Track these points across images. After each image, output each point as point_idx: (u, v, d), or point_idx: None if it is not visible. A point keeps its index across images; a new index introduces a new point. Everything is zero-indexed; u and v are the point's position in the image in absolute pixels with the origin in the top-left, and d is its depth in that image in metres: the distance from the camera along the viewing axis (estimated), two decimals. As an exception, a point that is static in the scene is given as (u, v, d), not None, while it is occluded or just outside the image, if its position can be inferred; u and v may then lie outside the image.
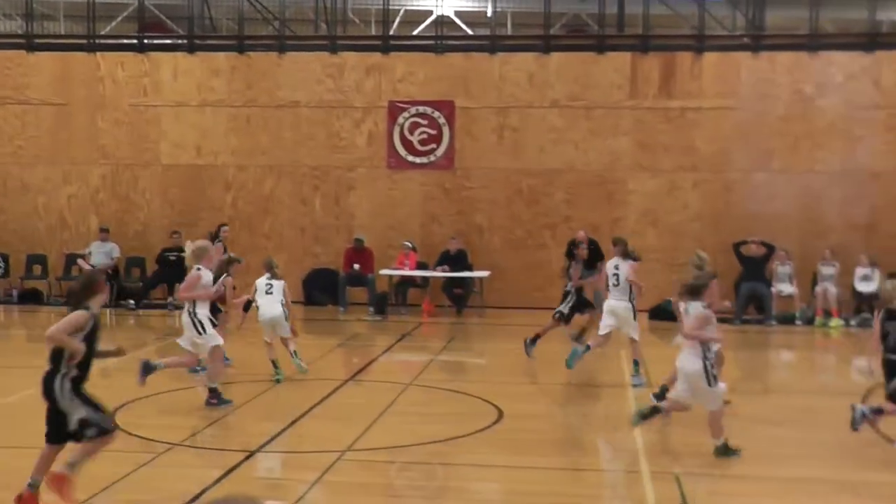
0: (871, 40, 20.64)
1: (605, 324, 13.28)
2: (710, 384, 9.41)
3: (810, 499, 8.51)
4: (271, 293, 13.10)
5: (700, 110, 20.72)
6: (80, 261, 21.06)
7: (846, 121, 20.46)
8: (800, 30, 21.36)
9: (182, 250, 20.97)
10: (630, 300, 13.25)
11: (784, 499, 8.43)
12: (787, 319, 19.35)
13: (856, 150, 20.46)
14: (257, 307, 13.24)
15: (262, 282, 13.28)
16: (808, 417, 11.84)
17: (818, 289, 19.56)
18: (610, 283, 13.30)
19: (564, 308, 14.64)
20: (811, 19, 20.79)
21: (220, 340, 11.68)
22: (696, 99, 20.72)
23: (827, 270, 19.64)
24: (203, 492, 8.02)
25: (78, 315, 7.49)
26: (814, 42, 20.69)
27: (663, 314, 19.66)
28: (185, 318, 11.63)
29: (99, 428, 7.53)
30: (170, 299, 20.87)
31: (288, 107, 21.70)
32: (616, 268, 13.23)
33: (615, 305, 13.22)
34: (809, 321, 19.41)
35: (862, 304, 19.74)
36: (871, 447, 10.04)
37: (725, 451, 9.48)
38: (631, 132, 20.90)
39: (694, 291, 9.84)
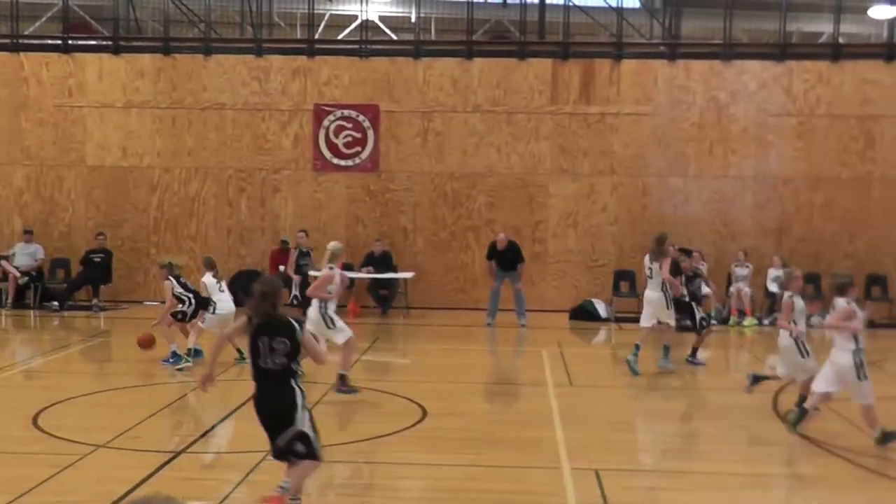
0: (783, 50, 21.35)
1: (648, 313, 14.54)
2: (859, 378, 10.02)
3: (724, 492, 8.87)
4: (224, 290, 13.81)
5: (618, 116, 21.24)
6: (3, 262, 20.87)
7: (759, 128, 21.13)
8: (714, 39, 21.98)
9: (106, 252, 20.98)
10: (664, 291, 14.43)
11: (699, 492, 8.78)
12: (703, 319, 19.84)
13: (768, 157, 21.15)
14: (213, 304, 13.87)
15: (211, 280, 13.75)
16: (722, 413, 12.29)
17: (732, 289, 20.20)
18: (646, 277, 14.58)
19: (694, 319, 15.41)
20: (725, 29, 21.42)
21: (351, 333, 12.33)
22: (615, 105, 21.23)
23: (741, 272, 20.29)
24: (127, 493, 8.07)
25: None
26: (727, 51, 21.34)
27: (584, 314, 20.17)
28: (314, 313, 12.18)
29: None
30: (94, 301, 20.78)
31: (213, 109, 21.74)
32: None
33: (651, 296, 14.54)
34: (724, 321, 20.03)
35: (774, 304, 20.38)
36: (780, 442, 10.49)
37: (885, 439, 10.06)
38: (551, 137, 21.33)
39: (840, 289, 10.46)
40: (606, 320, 19.99)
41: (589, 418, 11.29)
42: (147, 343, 14.25)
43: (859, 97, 21.07)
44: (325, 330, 12.20)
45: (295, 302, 19.16)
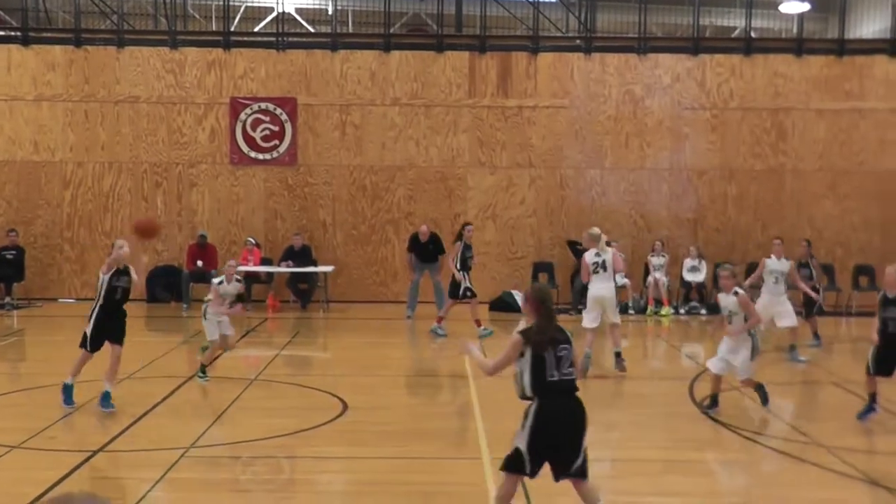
0: (696, 44, 21.71)
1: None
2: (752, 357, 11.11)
3: (642, 478, 9.00)
4: None
5: (536, 109, 21.39)
6: None
7: (673, 120, 21.47)
8: (629, 33, 22.25)
9: (19, 249, 20.52)
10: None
11: (618, 480, 8.91)
12: (621, 309, 20.04)
13: (683, 149, 21.49)
14: None
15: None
16: (639, 401, 12.49)
17: (650, 279, 20.50)
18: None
19: None
20: (640, 23, 21.70)
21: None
22: (532, 98, 21.38)
23: (657, 262, 20.59)
24: (43, 494, 7.94)
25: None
26: (642, 45, 21.62)
27: (503, 306, 20.30)
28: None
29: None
30: (7, 299, 20.34)
31: (127, 102, 21.40)
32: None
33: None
34: (642, 310, 20.33)
35: (690, 293, 20.79)
36: (697, 429, 10.69)
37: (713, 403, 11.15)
38: (470, 129, 21.41)
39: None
40: (526, 312, 20.13)
41: (510, 408, 11.34)
42: (147, 230, 12.34)
43: (771, 90, 21.52)
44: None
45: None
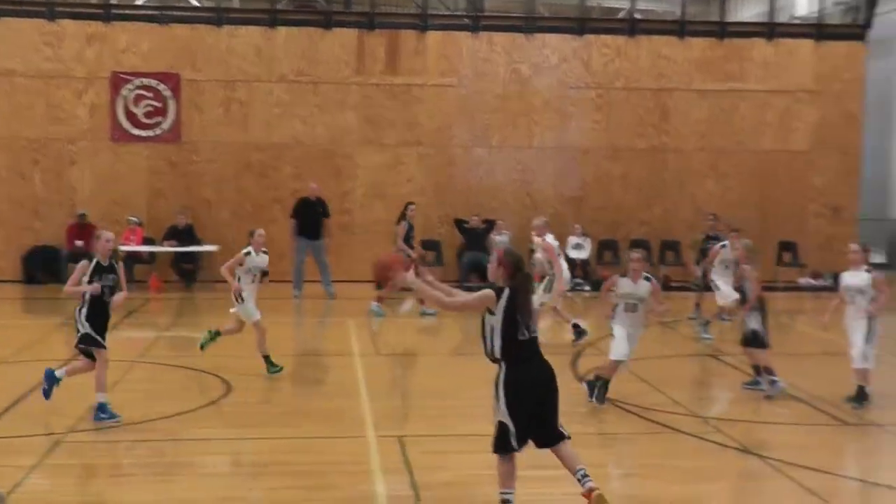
0: (582, 24, 21.95)
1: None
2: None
3: (526, 452, 9.11)
4: None
5: (424, 87, 21.39)
6: None
7: (559, 100, 21.70)
8: (516, 13, 22.39)
9: None
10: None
11: (538, 456, 9.02)
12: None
13: (568, 128, 21.75)
14: None
15: None
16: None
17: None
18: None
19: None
20: (527, 3, 21.84)
21: None
22: (420, 76, 21.37)
23: (501, 237, 20.79)
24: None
25: None
26: (529, 24, 21.78)
27: (391, 285, 20.25)
28: None
29: None
30: None
31: (2, 75, 20.70)
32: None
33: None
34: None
35: (575, 270, 21.05)
36: (579, 403, 10.88)
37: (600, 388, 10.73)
38: (358, 107, 21.30)
39: None
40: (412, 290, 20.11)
41: (395, 387, 11.42)
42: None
43: (655, 71, 21.90)
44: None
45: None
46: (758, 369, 11.64)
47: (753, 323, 11.38)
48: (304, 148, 21.26)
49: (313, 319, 17.57)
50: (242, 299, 12.01)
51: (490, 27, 21.81)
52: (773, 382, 11.22)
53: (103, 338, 9.97)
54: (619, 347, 10.71)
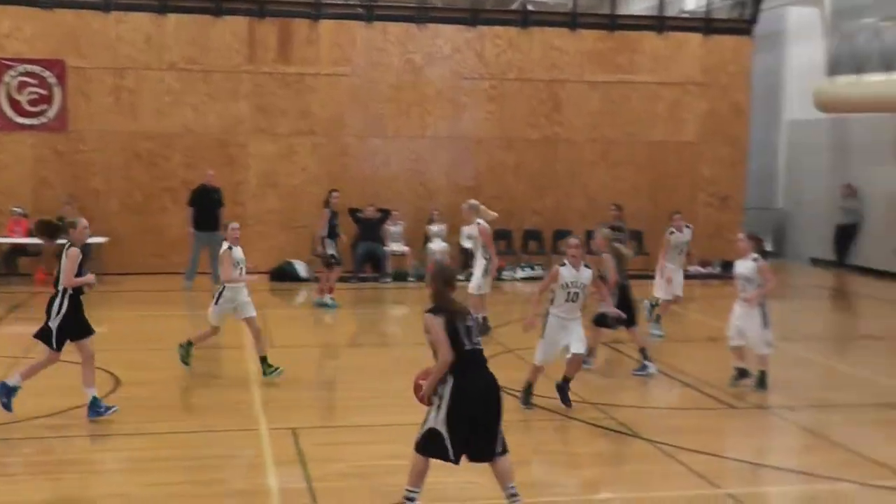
0: (475, 15, 22.01)
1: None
2: None
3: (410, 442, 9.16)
4: None
5: (317, 76, 21.21)
6: None
7: (453, 90, 21.73)
8: (409, 2, 22.35)
9: None
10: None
11: (389, 445, 9.02)
12: (401, 276, 20.40)
13: (462, 118, 21.81)
14: None
15: None
16: (414, 368, 12.65)
17: (428, 246, 20.73)
18: None
19: None
20: (420, -8, 21.83)
21: None
22: (313, 65, 21.18)
23: (436, 230, 20.87)
24: None
25: None
26: (422, 15, 21.76)
27: (284, 275, 20.15)
28: None
29: None
30: None
31: None
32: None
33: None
34: (421, 277, 20.53)
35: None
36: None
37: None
38: (250, 96, 21.01)
39: None
40: (307, 280, 19.99)
41: (288, 378, 11.32)
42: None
43: (547, 62, 22.09)
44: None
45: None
46: (645, 354, 11.94)
47: (605, 306, 11.57)
48: (196, 137, 20.90)
49: (205, 312, 17.28)
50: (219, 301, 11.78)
51: (383, 17, 21.71)
52: (644, 368, 11.70)
53: (83, 330, 10.08)
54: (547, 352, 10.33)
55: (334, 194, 17.34)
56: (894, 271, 21.88)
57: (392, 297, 19.20)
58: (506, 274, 20.27)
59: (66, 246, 9.86)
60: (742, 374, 11.45)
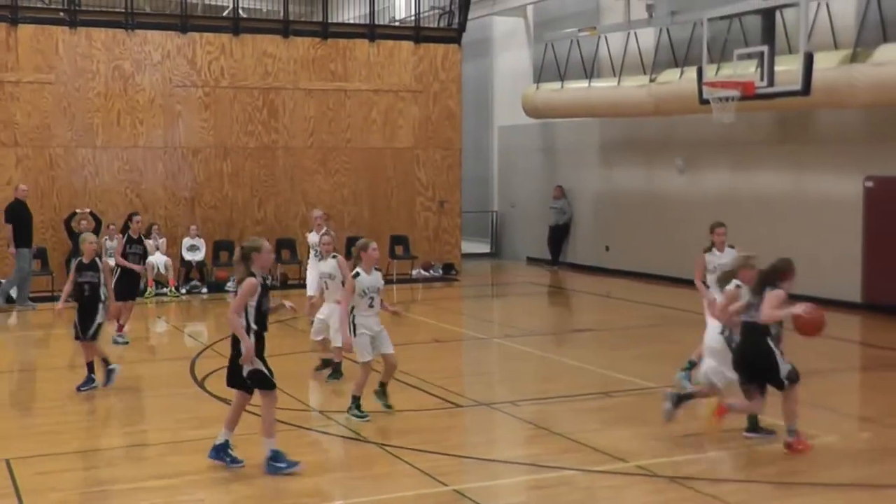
0: (185, 21, 21.53)
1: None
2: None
3: (144, 462, 8.85)
4: None
5: (19, 84, 20.09)
6: None
7: (166, 98, 21.16)
8: (116, 7, 21.58)
9: None
10: None
11: (117, 468, 8.69)
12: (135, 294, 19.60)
13: (176, 127, 21.28)
14: None
15: None
16: (143, 386, 12.27)
17: (149, 260, 20.01)
18: None
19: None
20: (127, -2, 21.11)
21: None
22: (14, 72, 20.05)
23: (155, 243, 20.20)
24: None
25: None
26: (130, 20, 21.06)
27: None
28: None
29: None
30: None
31: None
32: None
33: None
34: (142, 293, 19.82)
35: (191, 273, 20.70)
36: (200, 408, 10.69)
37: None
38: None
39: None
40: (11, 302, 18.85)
41: (1, 406, 10.68)
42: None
43: (261, 70, 21.90)
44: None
45: None
46: (327, 362, 12.10)
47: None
48: None
49: None
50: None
51: (88, 22, 20.81)
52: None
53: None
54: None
55: (135, 218, 15.62)
56: (604, 267, 23.22)
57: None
58: (230, 286, 19.81)
59: None
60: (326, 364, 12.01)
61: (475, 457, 9.13)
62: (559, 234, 24.69)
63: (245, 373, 8.44)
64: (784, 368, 8.94)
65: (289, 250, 21.78)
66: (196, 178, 21.50)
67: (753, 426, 9.49)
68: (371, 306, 10.06)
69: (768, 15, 16.08)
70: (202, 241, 20.90)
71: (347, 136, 22.61)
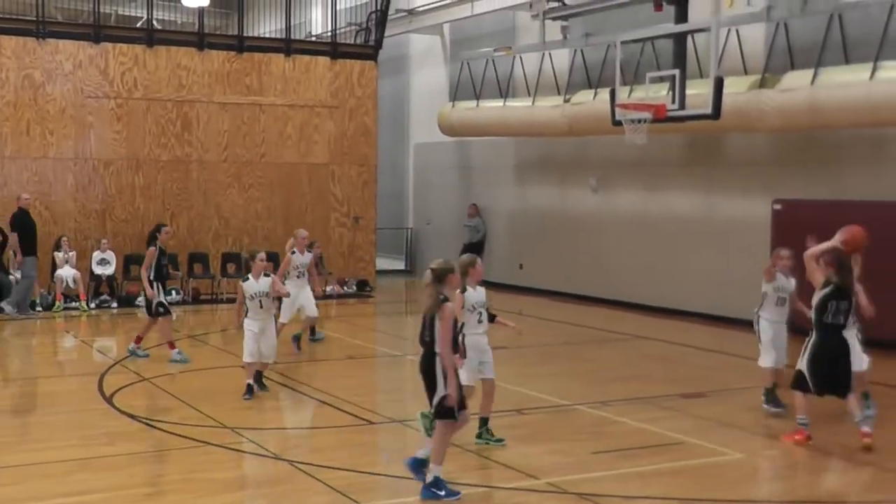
0: (98, 31, 21.23)
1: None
2: None
3: (50, 480, 8.67)
4: None
5: (-76, 92, 19.62)
6: None
7: (77, 109, 20.83)
8: (27, 15, 21.20)
9: None
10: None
11: (21, 485, 8.51)
12: (31, 305, 19.28)
13: (88, 138, 20.95)
14: None
15: None
16: (50, 402, 12.03)
17: (58, 274, 19.67)
18: None
19: None
20: (38, 6, 20.73)
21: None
22: (-81, 80, 19.58)
23: (64, 256, 19.84)
24: None
25: None
26: (41, 29, 20.69)
27: None
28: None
29: None
30: None
31: None
32: None
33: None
34: (50, 307, 19.47)
35: (101, 287, 20.35)
36: (107, 423, 10.53)
37: None
38: None
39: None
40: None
41: None
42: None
43: (175, 82, 21.68)
44: None
45: None
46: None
47: None
48: None
49: None
50: None
51: (-3, 30, 20.46)
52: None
53: None
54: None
55: (165, 229, 15.04)
56: (517, 284, 23.39)
57: (15, 329, 17.98)
58: (139, 301, 19.46)
59: None
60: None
61: (387, 474, 9.14)
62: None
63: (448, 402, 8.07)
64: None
65: (202, 265, 21.55)
66: (107, 191, 21.18)
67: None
68: (480, 321, 10.06)
69: (680, 39, 16.46)
70: (113, 254, 20.55)
71: (262, 150, 22.49)
